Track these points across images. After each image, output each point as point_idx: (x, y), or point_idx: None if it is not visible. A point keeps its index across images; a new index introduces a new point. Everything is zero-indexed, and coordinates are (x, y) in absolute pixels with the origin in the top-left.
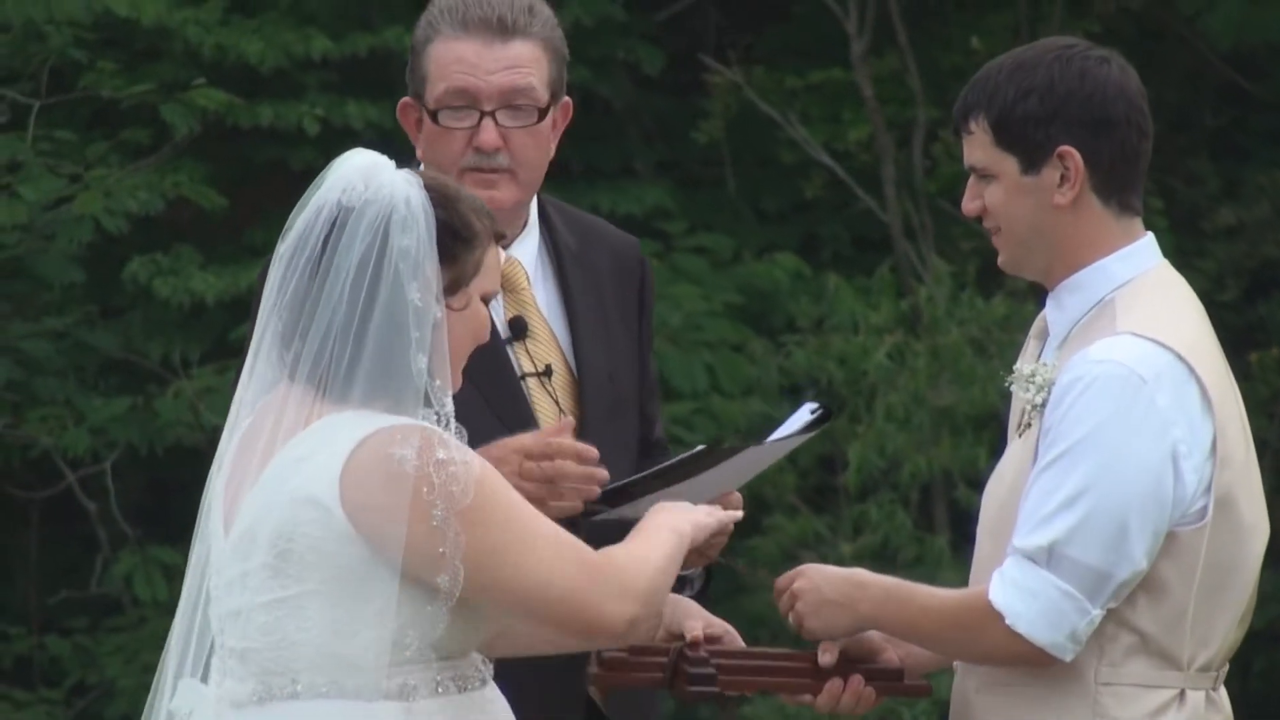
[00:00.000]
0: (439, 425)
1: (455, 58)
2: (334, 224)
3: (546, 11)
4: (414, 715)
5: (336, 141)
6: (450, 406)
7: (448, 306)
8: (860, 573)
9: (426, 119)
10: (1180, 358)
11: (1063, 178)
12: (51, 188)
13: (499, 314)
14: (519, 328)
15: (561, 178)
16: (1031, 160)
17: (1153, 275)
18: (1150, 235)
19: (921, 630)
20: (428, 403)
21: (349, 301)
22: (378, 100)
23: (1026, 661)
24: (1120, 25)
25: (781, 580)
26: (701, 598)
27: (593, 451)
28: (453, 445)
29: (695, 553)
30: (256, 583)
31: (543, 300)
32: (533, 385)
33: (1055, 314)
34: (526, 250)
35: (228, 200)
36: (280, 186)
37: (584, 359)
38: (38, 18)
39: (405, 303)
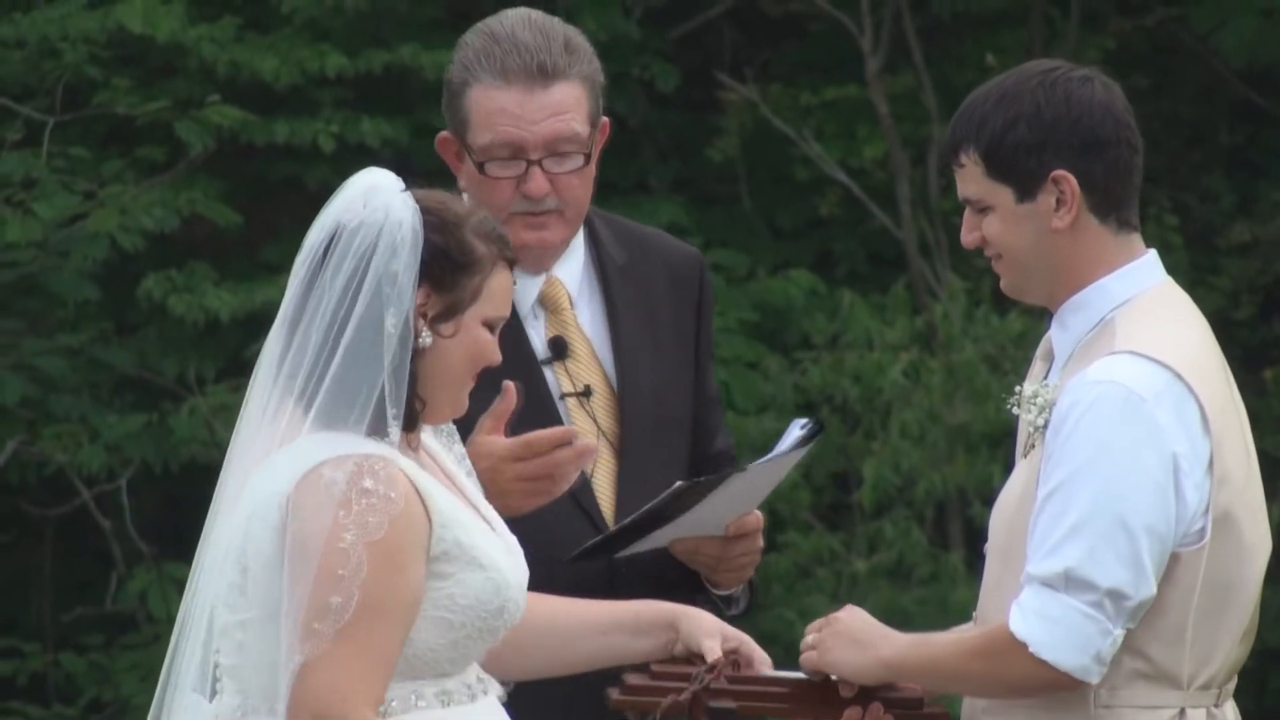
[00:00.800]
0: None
1: (498, 109)
2: (330, 242)
3: (582, 42)
4: None
5: (351, 158)
6: (455, 435)
7: (437, 334)
8: (886, 627)
9: (470, 163)
10: (1179, 376)
11: (1059, 202)
12: (66, 205)
13: (540, 334)
14: (559, 348)
15: None
16: (1026, 188)
17: (1154, 293)
18: (1152, 252)
19: (945, 669)
20: (395, 428)
21: (332, 322)
22: (392, 117)
23: (1054, 688)
24: (1134, 42)
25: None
26: (745, 614)
27: (569, 430)
28: (383, 478)
29: (730, 572)
30: (231, 599)
31: (586, 319)
32: (571, 406)
33: (1060, 335)
34: (570, 270)
35: (243, 217)
36: (295, 203)
37: (626, 378)
38: (52, 35)
39: (380, 327)
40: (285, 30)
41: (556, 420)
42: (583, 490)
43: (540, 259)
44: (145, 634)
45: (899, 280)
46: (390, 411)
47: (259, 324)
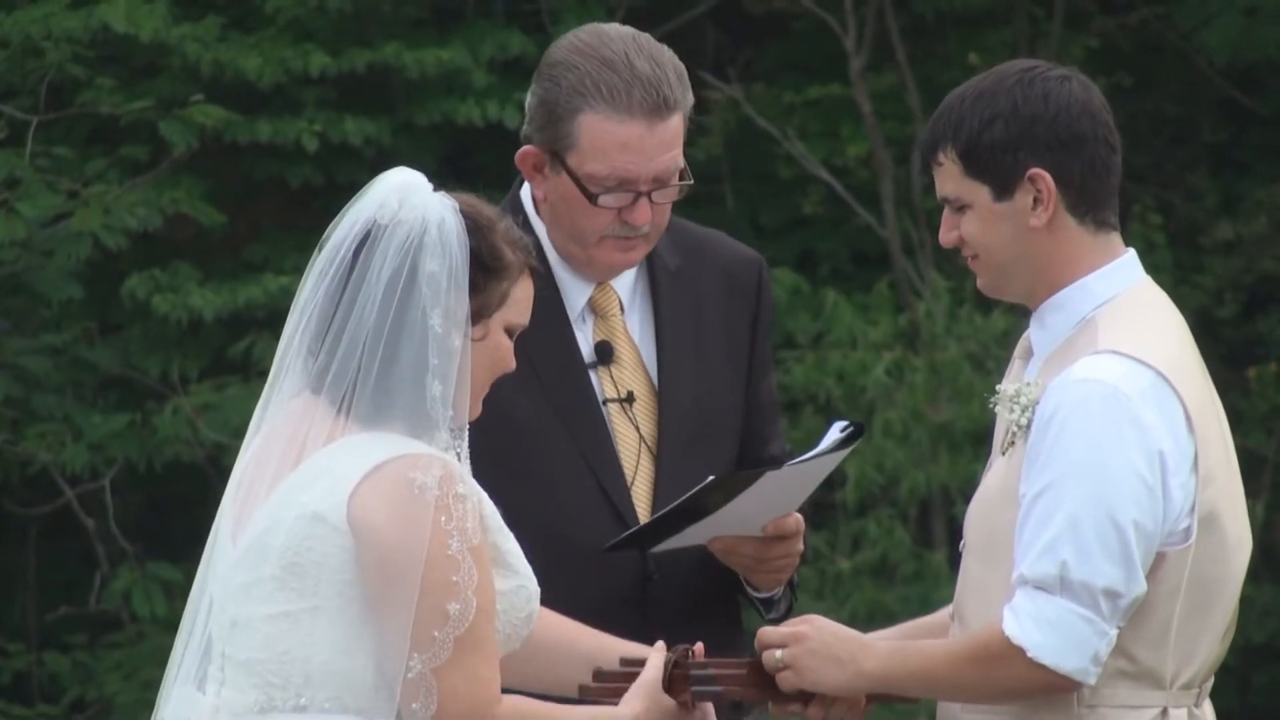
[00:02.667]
0: (455, 458)
1: (619, 143)
2: (365, 239)
3: (682, 68)
4: None
5: (335, 158)
6: (465, 439)
7: (467, 337)
8: (860, 634)
9: (565, 182)
10: (1162, 376)
11: (1036, 200)
12: (50, 204)
13: (588, 339)
14: (604, 353)
15: None
16: (1003, 186)
17: (1134, 293)
18: (1131, 251)
19: (936, 677)
20: (442, 429)
21: (375, 321)
22: (376, 116)
23: (1050, 690)
24: (1118, 41)
25: (785, 625)
26: (786, 617)
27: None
28: (469, 482)
29: (769, 573)
30: (263, 593)
31: (636, 325)
32: (614, 411)
33: (1039, 334)
34: (624, 277)
35: (226, 216)
36: (279, 203)
37: (667, 385)
38: (36, 34)
39: (426, 328)
40: (269, 29)
41: (600, 423)
42: (620, 496)
43: (616, 275)
44: (129, 633)
45: (882, 279)
46: (444, 413)
47: (242, 323)
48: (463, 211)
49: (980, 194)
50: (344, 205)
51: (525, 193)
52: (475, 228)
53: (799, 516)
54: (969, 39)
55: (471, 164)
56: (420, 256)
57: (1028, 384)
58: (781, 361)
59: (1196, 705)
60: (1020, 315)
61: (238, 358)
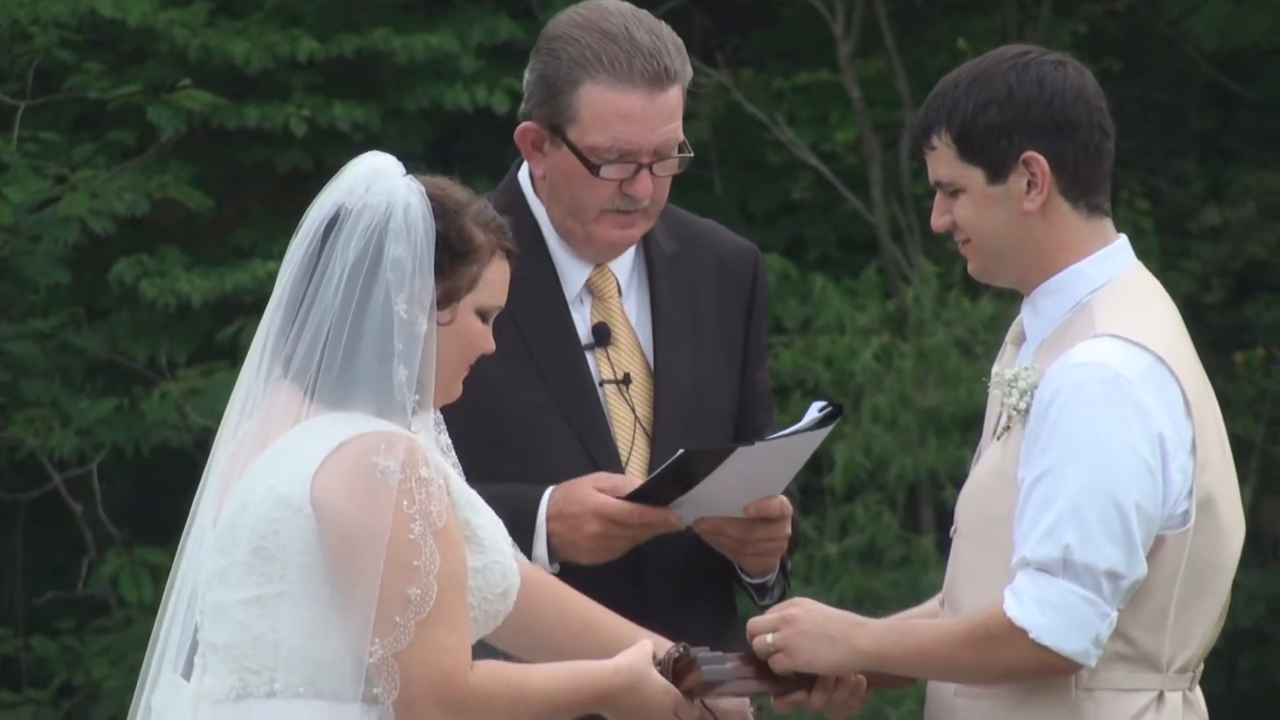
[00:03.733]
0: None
1: (620, 114)
2: (333, 223)
3: (680, 41)
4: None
5: (323, 143)
6: (431, 422)
7: (434, 321)
8: (852, 614)
9: (566, 155)
10: (1161, 360)
11: (1030, 184)
12: (37, 189)
13: (585, 321)
14: (601, 335)
15: None
16: (997, 170)
17: (1128, 278)
18: (1123, 237)
19: (933, 657)
20: (409, 414)
21: (339, 305)
22: (364, 101)
23: (1050, 672)
24: (1107, 28)
25: (774, 609)
26: (781, 599)
27: (665, 516)
28: (433, 464)
29: (754, 556)
30: (235, 578)
31: (633, 309)
32: (610, 392)
33: (1031, 319)
34: (622, 260)
35: (214, 201)
36: (266, 188)
37: (663, 367)
38: (23, 18)
39: (391, 313)
40: (257, 14)
41: (596, 406)
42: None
43: (615, 254)
44: (117, 618)
45: (871, 264)
46: (407, 397)
47: (230, 308)
48: (431, 195)
49: (974, 177)
50: None
51: (524, 174)
52: (443, 211)
53: (784, 500)
54: (957, 24)
55: (460, 149)
56: (385, 240)
57: (1025, 368)
58: (770, 347)
59: (1190, 689)
60: (1008, 301)
61: (225, 343)
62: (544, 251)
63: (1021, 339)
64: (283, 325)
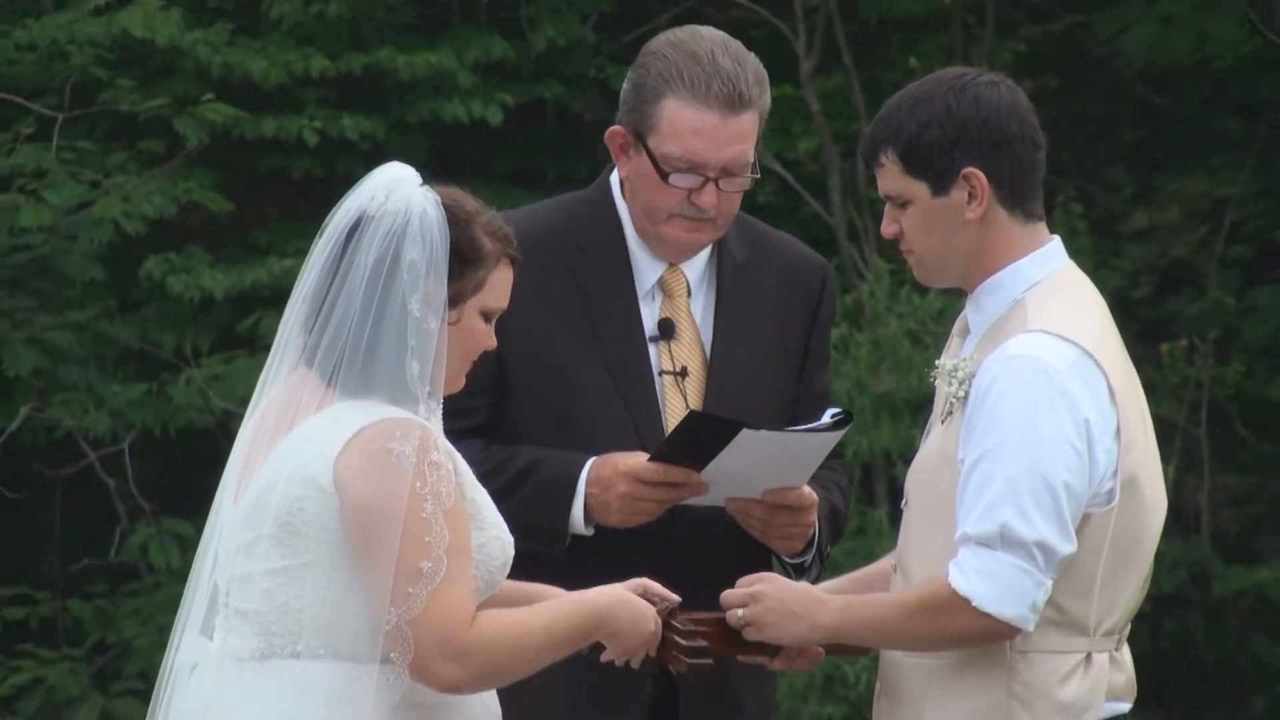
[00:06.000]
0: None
1: (692, 129)
2: (355, 227)
3: (764, 73)
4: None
5: (333, 152)
6: (439, 411)
7: (443, 320)
8: (815, 589)
9: (645, 161)
10: (1086, 352)
11: (970, 196)
12: (74, 193)
13: (653, 315)
14: (666, 329)
15: (539, 185)
16: (940, 184)
17: (1061, 275)
18: (1057, 239)
19: (887, 628)
20: (421, 403)
21: (361, 303)
22: (371, 114)
23: (995, 637)
24: (1044, 47)
25: (741, 582)
26: (820, 578)
27: (692, 478)
28: (442, 449)
29: (779, 539)
30: (261, 551)
31: (699, 308)
32: (667, 383)
33: (975, 314)
34: (695, 263)
35: (234, 205)
36: (282, 193)
37: (717, 361)
38: (61, 39)
39: (406, 312)
40: (273, 34)
41: (652, 393)
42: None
43: (685, 256)
44: (146, 583)
45: (830, 262)
46: (419, 389)
47: (249, 301)
48: (445, 205)
49: (919, 191)
50: (342, 195)
51: (614, 177)
52: (455, 220)
53: (805, 493)
54: (909, 44)
55: (456, 158)
56: (403, 245)
57: (964, 359)
58: None
59: (1116, 649)
60: (954, 296)
61: (245, 333)
62: (623, 248)
63: (966, 332)
64: (307, 318)
